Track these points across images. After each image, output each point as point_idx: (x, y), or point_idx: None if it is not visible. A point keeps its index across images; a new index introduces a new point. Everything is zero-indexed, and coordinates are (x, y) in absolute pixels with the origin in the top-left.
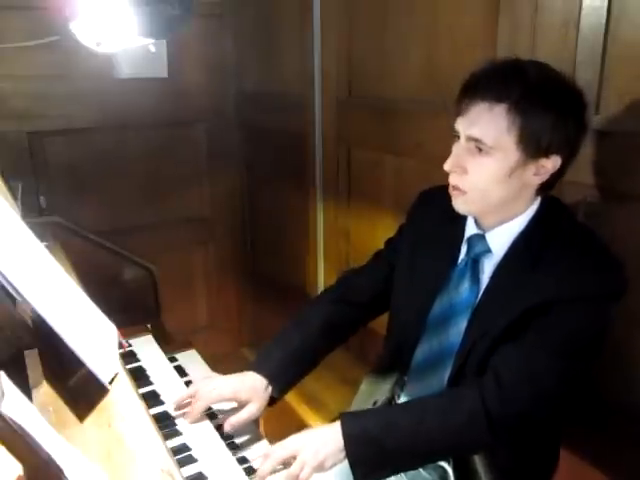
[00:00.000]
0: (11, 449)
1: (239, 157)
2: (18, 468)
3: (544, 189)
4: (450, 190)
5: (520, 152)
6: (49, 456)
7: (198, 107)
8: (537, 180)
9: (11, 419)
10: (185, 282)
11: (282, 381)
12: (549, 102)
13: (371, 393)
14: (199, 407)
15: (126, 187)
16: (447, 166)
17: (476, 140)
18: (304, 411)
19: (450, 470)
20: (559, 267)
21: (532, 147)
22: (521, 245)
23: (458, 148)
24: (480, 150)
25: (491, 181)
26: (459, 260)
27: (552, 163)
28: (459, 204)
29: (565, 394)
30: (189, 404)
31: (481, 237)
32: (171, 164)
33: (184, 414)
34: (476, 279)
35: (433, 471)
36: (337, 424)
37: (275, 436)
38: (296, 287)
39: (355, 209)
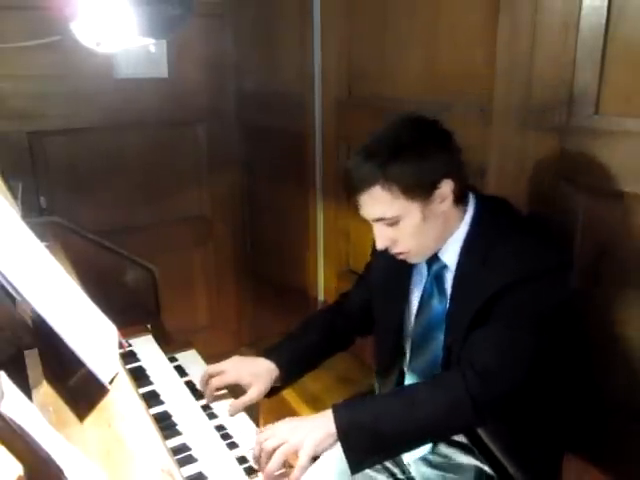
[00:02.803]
0: (11, 449)
1: (239, 157)
2: (18, 468)
3: (459, 200)
4: (397, 257)
5: (416, 202)
6: (49, 456)
7: (198, 107)
8: (447, 204)
9: (11, 419)
10: (185, 282)
11: (289, 371)
12: (402, 159)
13: None
14: (209, 393)
15: (126, 187)
16: (380, 246)
17: (381, 219)
18: (304, 411)
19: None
20: (503, 256)
21: (420, 193)
22: (468, 249)
23: (375, 230)
24: (390, 224)
25: (417, 235)
26: (423, 280)
27: (446, 187)
28: (412, 261)
29: (540, 367)
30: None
31: (435, 257)
32: (171, 164)
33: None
34: (442, 292)
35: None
36: (328, 412)
37: None
38: (296, 287)
39: (355, 209)
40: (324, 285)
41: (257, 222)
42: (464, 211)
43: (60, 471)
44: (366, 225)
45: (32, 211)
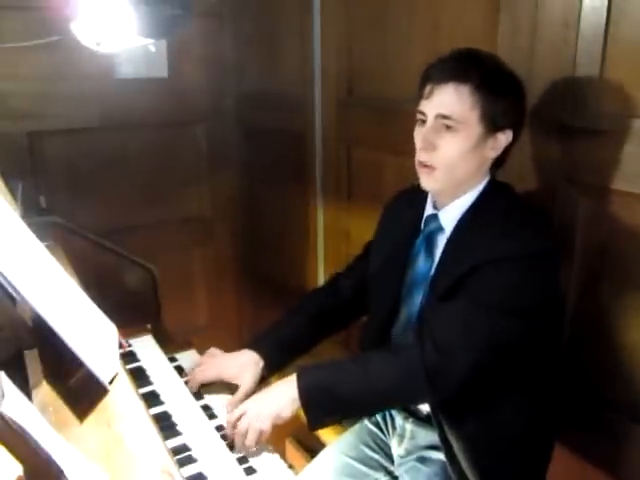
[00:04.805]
0: (11, 449)
1: (239, 157)
2: (18, 468)
3: (496, 165)
4: (419, 168)
5: (482, 127)
6: (49, 456)
7: (198, 107)
8: (493, 154)
9: (11, 419)
10: (185, 282)
11: (274, 359)
12: (503, 87)
13: None
14: (195, 383)
15: (126, 187)
16: (419, 143)
17: (445, 117)
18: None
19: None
20: (493, 234)
21: (491, 123)
22: (467, 220)
23: (424, 129)
24: (448, 127)
25: (458, 155)
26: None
27: (506, 137)
28: (428, 181)
29: (503, 352)
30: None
31: (435, 216)
32: (171, 164)
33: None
34: (429, 254)
35: (434, 465)
36: (291, 377)
37: (273, 432)
38: (296, 287)
39: (355, 209)
40: None
41: (257, 222)
42: (483, 179)
43: (60, 471)
44: (366, 225)
45: (32, 211)
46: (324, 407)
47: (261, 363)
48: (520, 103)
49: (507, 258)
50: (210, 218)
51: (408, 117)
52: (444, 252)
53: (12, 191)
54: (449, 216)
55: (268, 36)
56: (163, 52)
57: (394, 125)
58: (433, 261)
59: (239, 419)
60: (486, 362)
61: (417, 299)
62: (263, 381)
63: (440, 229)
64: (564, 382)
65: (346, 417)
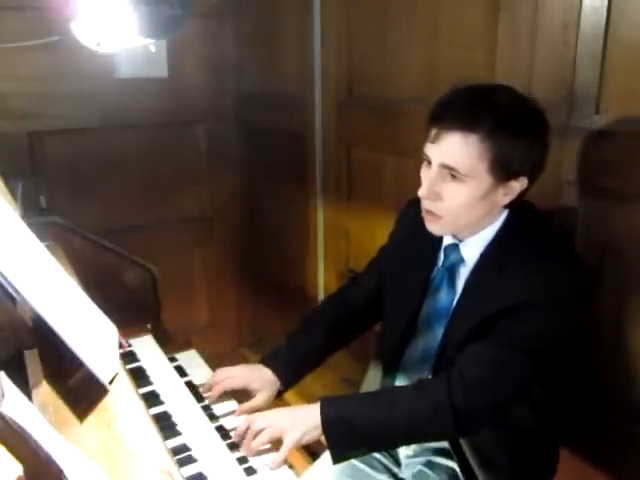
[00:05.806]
0: (11, 449)
1: (239, 157)
2: (18, 468)
3: (510, 204)
4: (424, 214)
5: (492, 177)
6: (49, 456)
7: (198, 107)
8: (506, 200)
9: (11, 419)
10: (185, 282)
11: (289, 377)
12: (519, 130)
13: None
14: (216, 391)
15: (126, 187)
16: (422, 193)
17: (450, 168)
18: None
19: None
20: (523, 271)
21: (503, 172)
22: (490, 253)
23: (430, 174)
24: (453, 177)
25: (465, 205)
26: (438, 266)
27: (520, 184)
28: (433, 228)
29: (529, 389)
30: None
31: (455, 247)
32: (171, 164)
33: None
34: (452, 286)
35: (442, 472)
36: (317, 405)
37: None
38: (296, 287)
39: (355, 209)
40: (324, 285)
41: (257, 222)
42: (501, 214)
43: (60, 471)
44: (366, 225)
45: (32, 211)
46: (345, 439)
47: (278, 383)
48: (539, 143)
49: (536, 302)
50: (210, 218)
51: (408, 117)
52: (467, 286)
53: (12, 191)
54: (470, 249)
55: (268, 36)
56: (163, 52)
57: (394, 125)
58: (455, 293)
59: (257, 426)
60: (514, 399)
61: (438, 332)
62: (278, 396)
63: (461, 260)
64: (570, 389)
65: (367, 451)
